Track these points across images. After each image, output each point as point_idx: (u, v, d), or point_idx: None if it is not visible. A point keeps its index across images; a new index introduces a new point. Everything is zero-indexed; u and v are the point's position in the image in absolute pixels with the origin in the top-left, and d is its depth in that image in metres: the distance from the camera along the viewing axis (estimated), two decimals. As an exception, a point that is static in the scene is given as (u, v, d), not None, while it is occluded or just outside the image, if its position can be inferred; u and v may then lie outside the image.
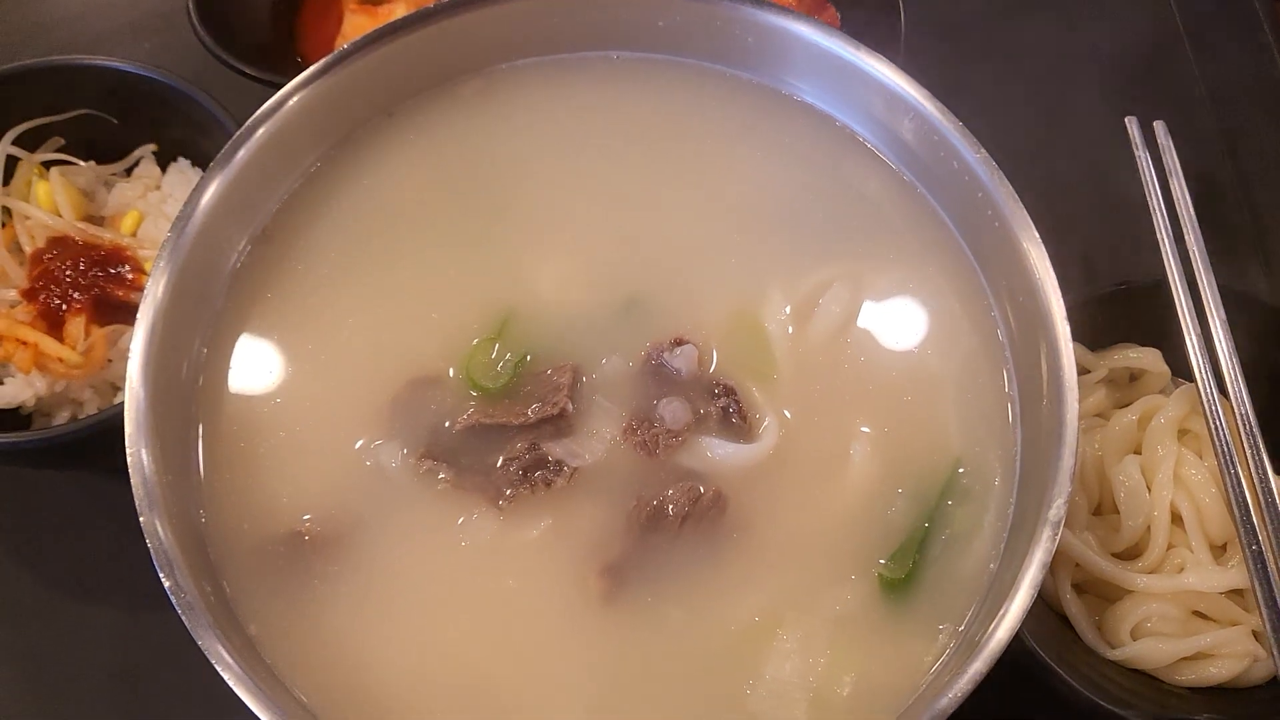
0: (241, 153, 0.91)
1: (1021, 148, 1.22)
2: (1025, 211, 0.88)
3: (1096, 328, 1.10)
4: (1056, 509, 0.80)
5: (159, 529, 0.79)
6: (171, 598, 0.77)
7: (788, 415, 0.91)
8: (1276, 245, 1.27)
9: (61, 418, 1.08)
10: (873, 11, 1.29)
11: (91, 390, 1.07)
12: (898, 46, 1.22)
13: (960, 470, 0.89)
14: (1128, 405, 1.08)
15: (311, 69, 0.94)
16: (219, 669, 0.75)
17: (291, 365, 0.93)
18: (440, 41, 0.99)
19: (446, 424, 0.90)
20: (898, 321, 0.95)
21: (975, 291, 0.95)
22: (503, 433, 0.90)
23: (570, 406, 0.90)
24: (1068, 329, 0.85)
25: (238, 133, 0.91)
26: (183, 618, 0.76)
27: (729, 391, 0.91)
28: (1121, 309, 1.09)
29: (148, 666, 1.07)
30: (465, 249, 0.97)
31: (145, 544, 1.07)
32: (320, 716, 0.81)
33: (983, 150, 0.90)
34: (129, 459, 0.81)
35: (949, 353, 0.94)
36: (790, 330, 0.94)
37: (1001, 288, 0.93)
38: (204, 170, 1.13)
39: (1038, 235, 0.88)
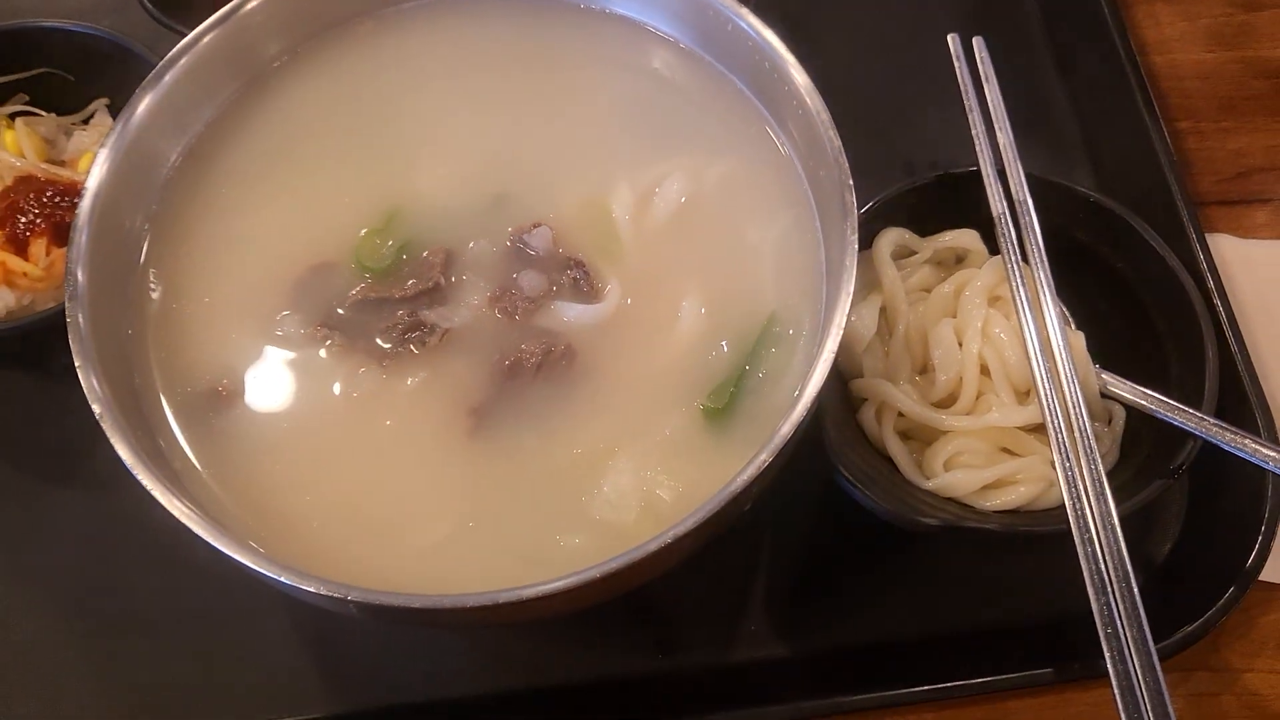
0: (168, 76, 1.09)
1: (868, 67, 1.40)
2: (811, 85, 1.04)
3: (925, 215, 1.25)
4: (835, 331, 0.95)
5: (95, 383, 0.96)
6: (100, 422, 0.93)
7: (629, 283, 1.08)
8: (1102, 151, 1.43)
9: (30, 329, 1.26)
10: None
11: (54, 304, 1.25)
12: None
13: (772, 324, 1.05)
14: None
15: (222, 11, 1.12)
16: (156, 494, 0.90)
17: (214, 257, 1.09)
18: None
19: (340, 301, 1.07)
20: (724, 203, 1.11)
21: (790, 175, 1.11)
22: (386, 304, 1.07)
23: (443, 280, 1.07)
24: (852, 195, 1.00)
25: (162, 61, 1.09)
26: (111, 438, 0.92)
27: (578, 264, 1.08)
28: (945, 196, 1.24)
29: (110, 534, 1.23)
30: (359, 159, 1.14)
31: (100, 436, 1.26)
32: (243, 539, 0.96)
33: (773, 34, 1.07)
34: (68, 322, 0.97)
35: (768, 227, 1.10)
36: (632, 215, 1.11)
37: (807, 164, 1.09)
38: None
39: (824, 107, 1.03)
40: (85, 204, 1.02)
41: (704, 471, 1.00)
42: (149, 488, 0.91)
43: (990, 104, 1.26)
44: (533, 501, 0.99)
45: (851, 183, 1.01)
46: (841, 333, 0.95)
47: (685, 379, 1.04)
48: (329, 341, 1.05)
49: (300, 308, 1.07)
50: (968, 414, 1.15)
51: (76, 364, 0.95)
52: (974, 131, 1.25)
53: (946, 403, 1.17)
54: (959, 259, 1.27)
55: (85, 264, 1.01)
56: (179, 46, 1.10)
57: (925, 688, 1.10)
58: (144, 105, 1.08)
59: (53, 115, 1.33)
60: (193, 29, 1.38)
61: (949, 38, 1.30)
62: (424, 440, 1.02)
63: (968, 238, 1.24)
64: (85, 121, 1.35)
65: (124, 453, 0.92)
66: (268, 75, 1.18)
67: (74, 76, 1.33)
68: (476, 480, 1.00)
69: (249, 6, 1.12)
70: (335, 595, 0.87)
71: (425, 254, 1.09)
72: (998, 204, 1.21)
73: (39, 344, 1.19)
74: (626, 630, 1.16)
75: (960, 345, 1.16)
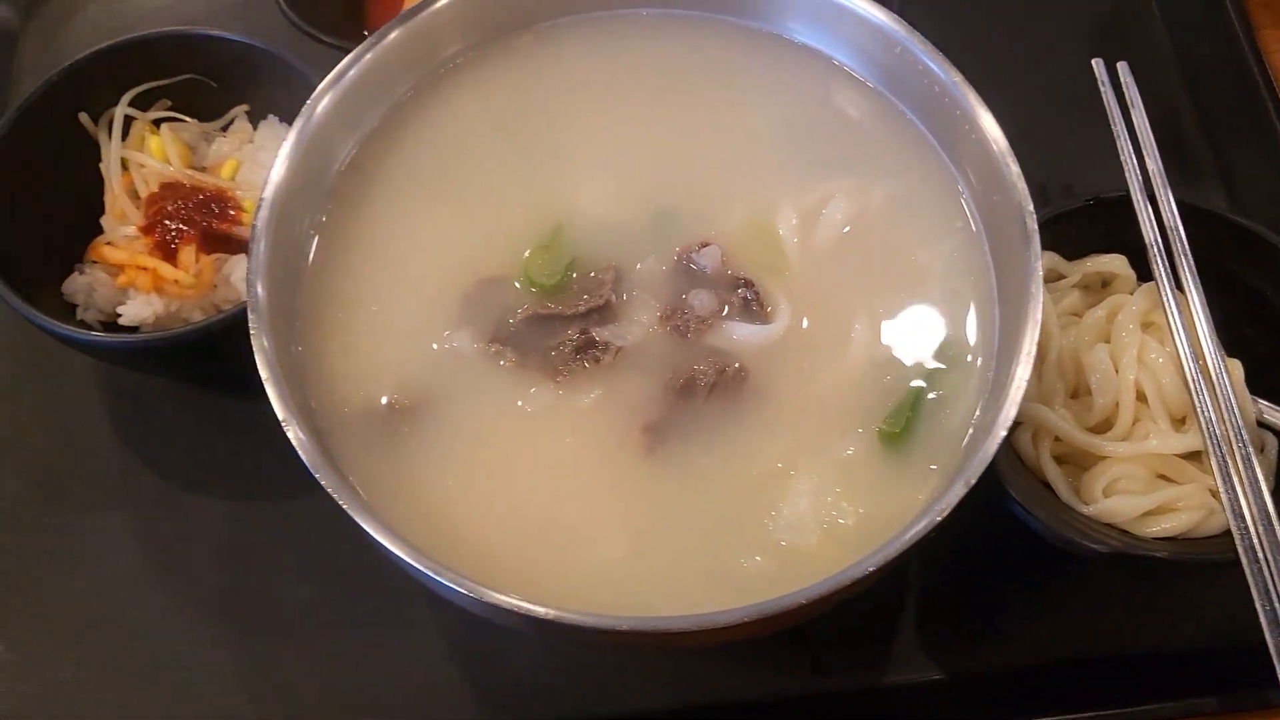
0: (351, 72, 1.10)
1: (1001, 90, 1.39)
2: (984, 105, 1.04)
3: (1071, 239, 1.25)
4: (1025, 360, 0.95)
5: (279, 385, 0.95)
6: (291, 440, 0.93)
7: (798, 303, 1.08)
8: (1235, 172, 1.43)
9: (174, 335, 1.26)
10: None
11: (200, 311, 1.25)
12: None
13: (944, 348, 1.05)
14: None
15: (392, 21, 1.12)
16: (339, 500, 0.90)
17: (380, 271, 1.09)
18: (492, 3, 1.17)
19: (510, 316, 1.07)
20: (890, 224, 1.11)
21: (954, 197, 1.11)
22: (557, 321, 1.07)
23: (614, 298, 1.07)
24: (1034, 220, 1.01)
25: (354, 51, 1.10)
26: (301, 456, 0.92)
27: (748, 284, 1.08)
28: (1093, 222, 1.24)
29: (250, 546, 1.23)
30: (522, 173, 1.14)
31: (247, 445, 1.26)
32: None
33: (943, 56, 1.07)
34: (251, 329, 0.97)
35: (935, 249, 1.10)
36: (798, 234, 1.11)
37: (977, 189, 1.09)
38: (289, 125, 1.34)
39: (1003, 137, 1.04)
40: (264, 213, 1.02)
41: (884, 495, 1.00)
42: (339, 500, 0.91)
43: (1138, 130, 1.26)
44: (712, 521, 0.99)
45: (1032, 209, 1.01)
46: (1031, 360, 0.96)
47: (859, 401, 1.04)
48: (502, 358, 1.05)
49: (470, 322, 1.07)
50: (1124, 440, 1.15)
51: (264, 379, 0.95)
52: (1123, 158, 1.25)
53: (1100, 428, 1.17)
54: (1105, 283, 1.27)
55: (264, 276, 1.01)
56: (365, 43, 1.10)
57: (1085, 714, 1.10)
58: (324, 104, 1.08)
59: (194, 122, 1.33)
60: (326, 33, 1.41)
61: (1094, 63, 1.30)
62: (600, 457, 1.02)
63: (1117, 263, 1.24)
64: (224, 129, 1.35)
65: (312, 466, 0.92)
66: (427, 88, 1.18)
67: (216, 83, 1.32)
68: (654, 498, 1.00)
69: (438, 5, 1.12)
70: (524, 613, 0.87)
71: (593, 272, 1.09)
72: (1150, 230, 1.21)
73: (186, 353, 1.19)
74: (782, 650, 1.16)
75: (1116, 371, 1.16)
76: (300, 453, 0.92)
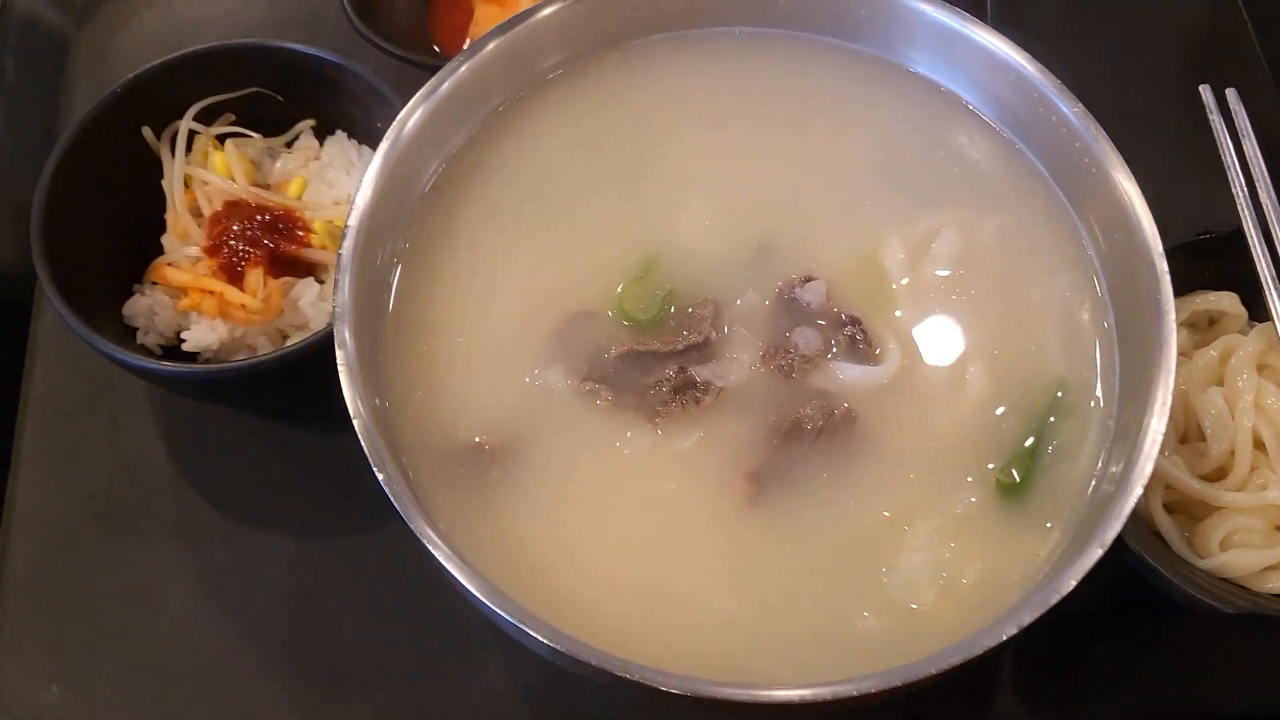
0: (445, 86, 1.04)
1: (1103, 113, 1.34)
2: (1120, 157, 0.99)
3: (1177, 275, 1.19)
4: (1160, 411, 0.90)
5: (369, 429, 0.90)
6: (385, 488, 0.87)
7: (908, 342, 1.02)
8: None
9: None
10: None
11: (265, 337, 1.19)
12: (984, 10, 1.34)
13: (1062, 391, 1.00)
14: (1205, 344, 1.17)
15: (489, 32, 1.06)
16: (429, 548, 0.85)
17: (466, 302, 1.04)
18: (582, 18, 1.12)
19: (604, 351, 1.01)
20: (1000, 259, 1.06)
21: (1070, 232, 1.06)
22: (654, 358, 1.01)
23: (714, 334, 1.01)
24: (1164, 262, 0.96)
25: (443, 70, 1.04)
26: (394, 504, 0.86)
27: (855, 321, 1.02)
28: (1201, 258, 1.18)
29: (316, 585, 1.18)
30: (613, 200, 1.09)
31: (312, 475, 1.21)
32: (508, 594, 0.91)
33: (1080, 104, 1.01)
34: (340, 369, 0.92)
35: (1048, 287, 1.05)
36: (906, 268, 1.05)
37: (1095, 226, 1.04)
38: (360, 142, 1.28)
39: (1133, 177, 0.98)
40: (348, 243, 0.97)
41: (1002, 550, 0.94)
42: (430, 547, 0.85)
43: (1250, 160, 1.21)
44: (821, 577, 0.94)
45: (1164, 250, 0.96)
46: (1166, 411, 0.90)
47: (973, 448, 0.98)
48: (596, 397, 0.99)
49: (562, 358, 1.01)
50: (1241, 489, 1.09)
51: (355, 424, 0.89)
52: (1234, 190, 1.19)
53: (1214, 476, 1.11)
54: (1211, 321, 1.21)
55: (351, 313, 0.95)
56: (459, 56, 1.05)
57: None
58: (414, 121, 1.03)
59: (259, 137, 1.27)
60: (389, 42, 1.35)
61: (1201, 89, 1.24)
62: (701, 505, 0.96)
63: (1227, 300, 1.18)
64: (289, 144, 1.30)
65: (405, 515, 0.86)
66: (513, 107, 1.12)
67: (282, 96, 1.27)
68: (759, 551, 0.95)
69: (539, 17, 1.07)
70: (618, 672, 0.81)
71: (692, 308, 1.03)
72: (1265, 267, 1.15)
73: (253, 384, 1.13)
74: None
75: (1231, 416, 1.11)
76: (393, 500, 0.86)
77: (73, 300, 1.11)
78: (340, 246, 0.96)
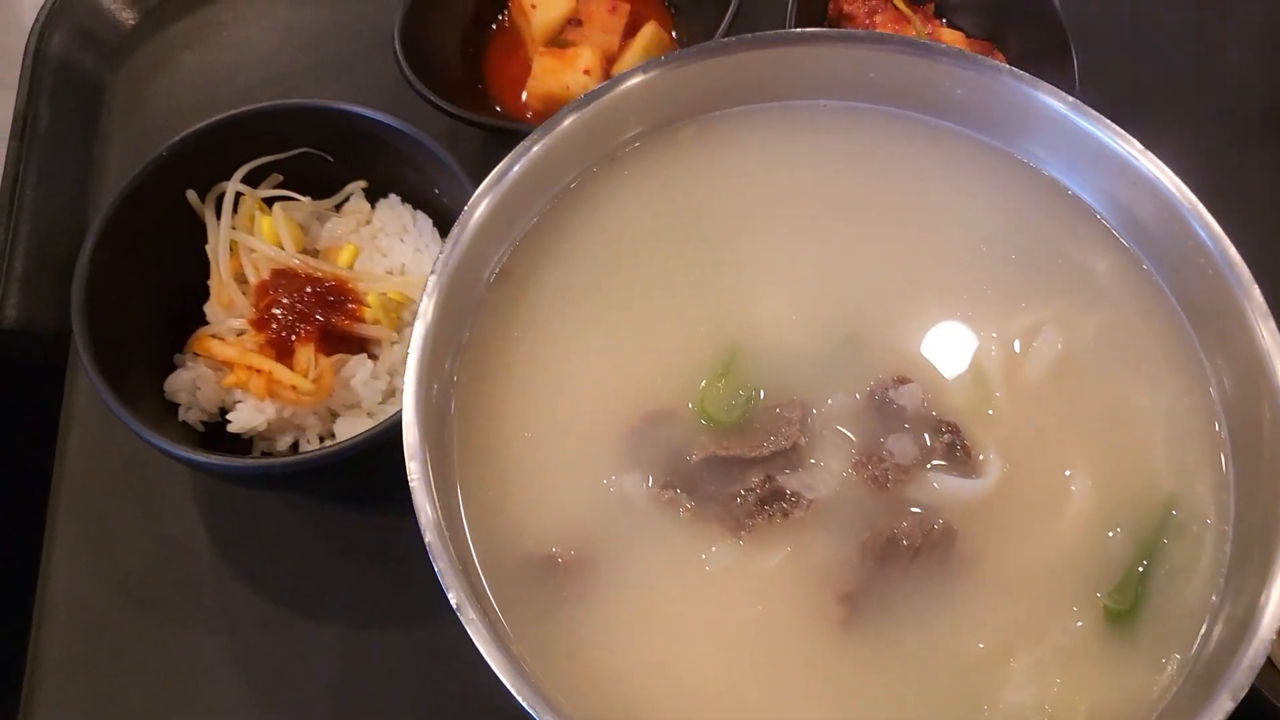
0: (516, 168, 0.97)
1: (1204, 181, 1.27)
2: (1261, 296, 0.92)
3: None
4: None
5: (444, 549, 0.84)
6: (460, 615, 0.81)
7: (1008, 451, 0.96)
8: None
9: (285, 442, 1.13)
10: (1043, 49, 1.33)
11: (315, 416, 1.13)
12: (1072, 82, 1.26)
13: (1174, 508, 0.93)
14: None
15: (545, 124, 0.99)
16: (505, 681, 0.79)
17: (534, 397, 0.97)
18: (659, 91, 1.05)
19: (684, 455, 0.95)
20: (1104, 359, 1.00)
21: (1180, 337, 0.99)
22: (738, 464, 0.95)
23: (803, 440, 0.95)
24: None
25: (515, 150, 0.97)
26: (471, 635, 0.80)
27: (953, 428, 0.96)
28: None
29: (364, 680, 1.12)
30: (688, 287, 1.02)
31: (362, 564, 1.15)
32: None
33: (1220, 233, 0.94)
34: (412, 483, 0.85)
35: (1155, 391, 0.98)
36: (1004, 369, 0.99)
37: (1211, 338, 0.97)
38: (414, 206, 1.22)
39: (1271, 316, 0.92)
40: (414, 359, 0.90)
41: (1113, 684, 0.88)
42: (503, 678, 0.79)
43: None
44: (922, 710, 0.88)
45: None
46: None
47: (1079, 570, 0.92)
48: (678, 506, 0.93)
49: (640, 463, 0.95)
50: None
51: (427, 543, 0.83)
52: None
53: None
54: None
55: (418, 420, 0.88)
56: (533, 135, 0.99)
57: None
58: (483, 208, 0.96)
59: (308, 200, 1.20)
60: (441, 88, 1.28)
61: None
62: (791, 630, 0.90)
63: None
64: (338, 206, 1.23)
65: (480, 643, 0.80)
66: (582, 186, 1.06)
67: (332, 157, 1.20)
68: (853, 682, 0.88)
69: (626, 86, 1.01)
70: None
71: (778, 407, 0.97)
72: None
73: (304, 478, 1.07)
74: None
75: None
76: (468, 630, 0.81)
77: (112, 376, 1.06)
78: (408, 359, 0.90)
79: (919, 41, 1.03)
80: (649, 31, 1.34)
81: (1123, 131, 0.98)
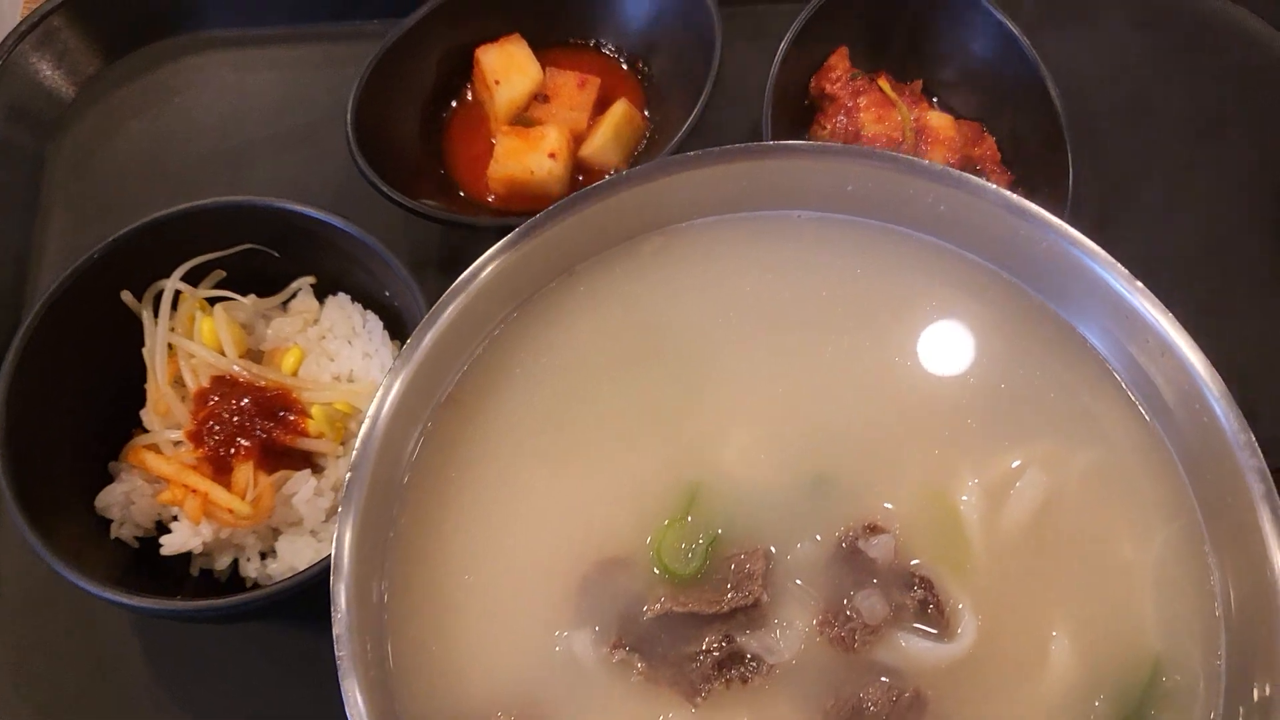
0: (464, 295, 0.91)
1: (1202, 305, 1.20)
2: (1269, 480, 0.85)
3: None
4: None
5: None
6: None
7: (984, 608, 0.89)
8: None
9: (224, 561, 1.07)
10: (1035, 130, 1.26)
11: (254, 536, 1.07)
12: (1064, 191, 1.19)
13: (1162, 673, 0.87)
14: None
15: (498, 245, 0.93)
16: None
17: (478, 543, 0.91)
18: (625, 205, 0.98)
19: (638, 610, 0.89)
20: (1091, 506, 0.93)
21: (1174, 481, 0.93)
22: (695, 621, 0.88)
23: (765, 596, 0.88)
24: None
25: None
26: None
27: (926, 584, 0.89)
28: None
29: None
30: (648, 419, 0.96)
31: (298, 687, 1.08)
32: None
33: (1242, 422, 0.87)
34: (337, 640, 0.80)
35: (1144, 542, 0.92)
36: (983, 515, 0.92)
37: (1194, 463, 0.91)
38: (364, 306, 1.15)
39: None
40: (351, 500, 0.84)
41: None
42: None
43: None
44: None
45: (1276, 491, 0.84)
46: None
47: (1058, 743, 0.86)
48: (630, 668, 0.87)
49: (591, 618, 0.89)
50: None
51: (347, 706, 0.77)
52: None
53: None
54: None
55: (350, 568, 0.83)
56: (484, 258, 0.92)
57: None
58: (432, 334, 0.90)
59: (252, 298, 1.14)
60: (397, 164, 1.21)
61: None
62: (752, 810, 0.84)
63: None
64: (284, 305, 1.16)
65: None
66: (537, 303, 0.99)
67: (278, 253, 1.13)
68: None
69: (585, 210, 0.94)
70: None
71: (740, 556, 0.90)
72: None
73: (242, 615, 1.01)
74: None
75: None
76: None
77: (32, 502, 0.99)
78: (341, 500, 0.84)
79: (898, 157, 0.96)
80: (619, 110, 1.26)
81: (1125, 270, 0.91)
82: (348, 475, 0.85)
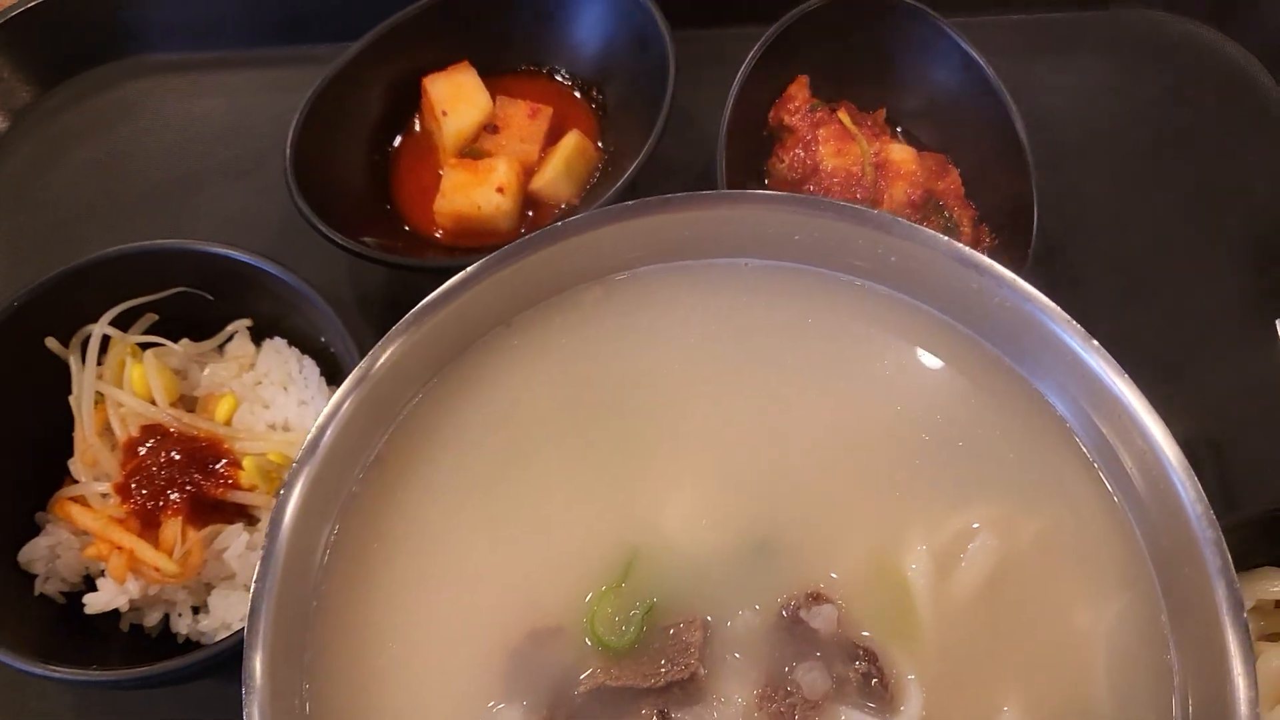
0: (396, 345, 0.88)
1: (1165, 358, 1.16)
2: (1225, 554, 0.81)
3: (1243, 553, 1.03)
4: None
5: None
6: None
7: (931, 682, 0.86)
8: None
9: (154, 617, 1.04)
10: (998, 161, 1.22)
11: (185, 591, 1.03)
12: (1029, 225, 1.15)
13: (1117, 751, 0.84)
14: (1274, 636, 1.02)
15: (431, 298, 0.89)
16: None
17: (404, 610, 0.88)
18: (565, 255, 0.94)
19: (571, 683, 0.85)
20: (1043, 573, 0.89)
21: (1132, 552, 0.89)
22: (629, 695, 0.85)
23: (702, 670, 0.85)
24: (1239, 606, 0.80)
25: (397, 326, 0.87)
26: None
27: (870, 656, 0.86)
28: (1274, 534, 1.03)
29: None
30: (585, 476, 0.92)
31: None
32: None
33: (1199, 490, 0.83)
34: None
35: (1099, 611, 0.88)
36: (932, 582, 0.88)
37: (1149, 527, 0.87)
38: (301, 351, 1.11)
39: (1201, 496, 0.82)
40: (276, 563, 0.80)
41: None
42: None
43: (1333, 418, 1.04)
44: None
45: (1230, 570, 0.80)
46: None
47: (1008, 826, 0.83)
48: (562, 747, 0.83)
49: (520, 690, 0.85)
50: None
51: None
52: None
53: (1279, 810, 0.96)
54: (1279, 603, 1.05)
55: (265, 643, 0.79)
56: (417, 310, 0.88)
57: None
58: (355, 398, 0.86)
59: (185, 342, 1.10)
60: (334, 208, 1.17)
61: (1278, 323, 1.08)
62: None
63: (1301, 588, 1.02)
64: (220, 347, 1.12)
65: None
66: (472, 356, 0.95)
67: (212, 295, 1.09)
68: None
69: (525, 259, 0.91)
70: None
71: (678, 625, 0.86)
72: (1349, 557, 0.99)
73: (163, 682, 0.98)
74: None
75: (1303, 744, 0.95)
76: None
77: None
78: (256, 575, 0.80)
79: (844, 206, 0.92)
80: (570, 142, 1.22)
81: (1081, 329, 0.87)
82: (253, 584, 0.81)
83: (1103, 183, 1.28)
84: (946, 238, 0.91)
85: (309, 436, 0.85)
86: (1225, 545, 0.82)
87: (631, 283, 0.98)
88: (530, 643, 0.87)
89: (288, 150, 1.14)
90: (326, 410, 0.85)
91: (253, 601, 0.79)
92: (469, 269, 0.90)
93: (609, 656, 0.86)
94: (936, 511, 0.91)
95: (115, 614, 1.05)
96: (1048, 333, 0.89)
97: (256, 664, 0.79)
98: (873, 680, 0.85)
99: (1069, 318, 0.88)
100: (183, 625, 1.04)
